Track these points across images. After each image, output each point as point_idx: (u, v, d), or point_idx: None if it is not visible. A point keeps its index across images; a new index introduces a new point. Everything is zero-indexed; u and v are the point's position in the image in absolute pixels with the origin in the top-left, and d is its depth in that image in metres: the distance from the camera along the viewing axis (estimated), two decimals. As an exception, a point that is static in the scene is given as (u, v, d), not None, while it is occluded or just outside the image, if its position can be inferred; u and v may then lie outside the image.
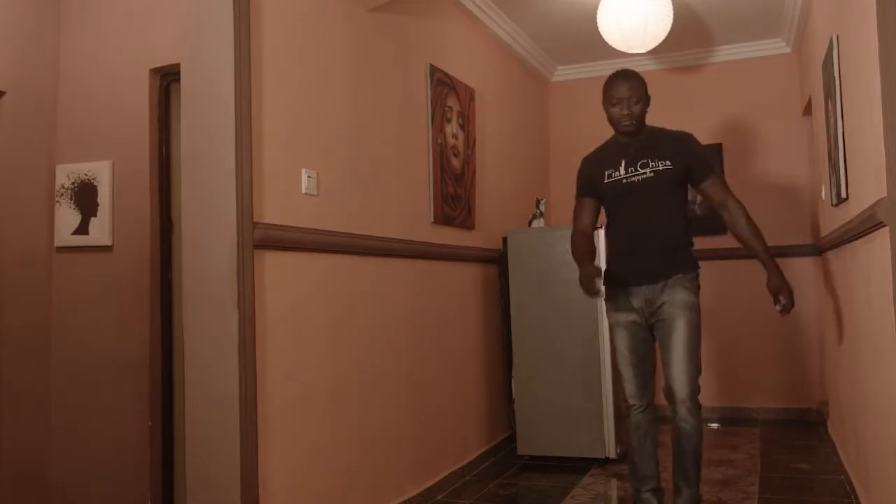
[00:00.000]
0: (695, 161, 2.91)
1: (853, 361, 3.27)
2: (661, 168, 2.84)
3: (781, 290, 2.85)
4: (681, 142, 2.92)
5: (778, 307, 2.87)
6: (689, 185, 2.96)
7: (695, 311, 2.84)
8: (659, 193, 2.86)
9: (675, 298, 2.82)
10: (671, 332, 2.81)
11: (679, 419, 2.82)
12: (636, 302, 2.89)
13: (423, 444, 3.62)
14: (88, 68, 3.54)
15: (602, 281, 2.87)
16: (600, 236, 3.45)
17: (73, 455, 3.46)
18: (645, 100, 2.88)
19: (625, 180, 2.88)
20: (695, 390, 2.80)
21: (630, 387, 2.97)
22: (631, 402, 2.99)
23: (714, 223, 5.43)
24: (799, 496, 3.56)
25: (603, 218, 3.10)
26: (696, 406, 2.82)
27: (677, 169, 2.85)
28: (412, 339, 3.58)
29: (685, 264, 2.89)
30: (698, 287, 2.90)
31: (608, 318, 3.05)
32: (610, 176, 2.91)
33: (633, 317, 2.91)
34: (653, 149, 2.87)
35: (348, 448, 3.00)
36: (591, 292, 2.79)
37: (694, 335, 2.81)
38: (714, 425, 5.13)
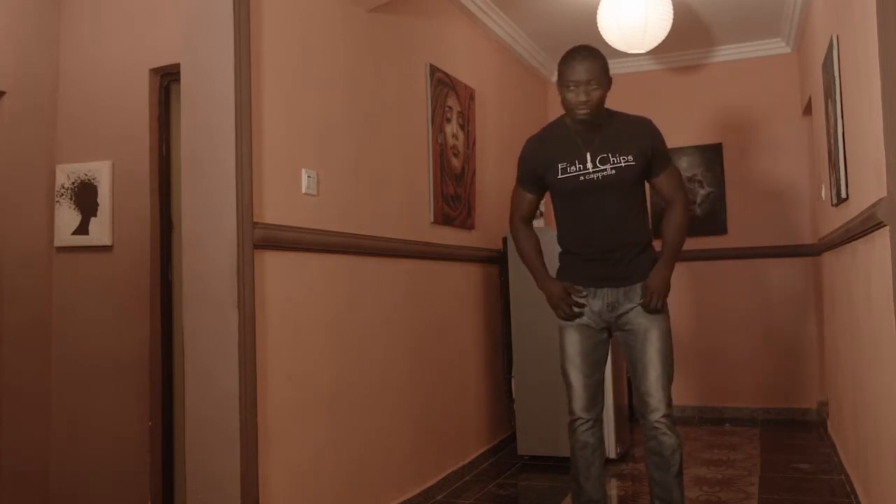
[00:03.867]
0: (656, 152, 2.60)
1: (853, 361, 3.27)
2: (622, 164, 2.53)
3: (652, 288, 2.54)
4: (642, 132, 2.59)
5: (640, 301, 2.57)
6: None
7: (666, 319, 2.60)
8: (620, 192, 2.55)
9: (643, 306, 2.57)
10: (644, 343, 2.55)
11: (659, 434, 2.55)
12: (594, 304, 2.61)
13: (423, 444, 3.63)
14: (88, 68, 3.55)
15: (574, 302, 2.65)
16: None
17: (73, 455, 3.46)
18: (605, 83, 2.51)
19: (582, 177, 2.55)
20: (671, 403, 2.57)
21: (578, 398, 2.65)
22: (578, 415, 2.66)
23: (713, 223, 5.46)
24: (799, 496, 3.56)
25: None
26: (674, 420, 2.59)
27: (639, 164, 2.55)
28: (412, 339, 3.58)
29: (648, 267, 2.62)
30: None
31: (559, 319, 2.71)
32: (564, 171, 2.58)
33: (586, 319, 2.63)
34: (612, 141, 2.55)
35: (348, 448, 3.00)
36: (570, 315, 2.61)
37: (668, 345, 2.58)
38: (715, 425, 5.13)
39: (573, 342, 2.64)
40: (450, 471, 3.87)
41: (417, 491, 3.51)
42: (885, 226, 2.27)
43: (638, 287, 2.58)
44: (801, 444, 4.59)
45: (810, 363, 5.21)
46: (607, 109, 2.60)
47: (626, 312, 2.59)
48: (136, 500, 3.33)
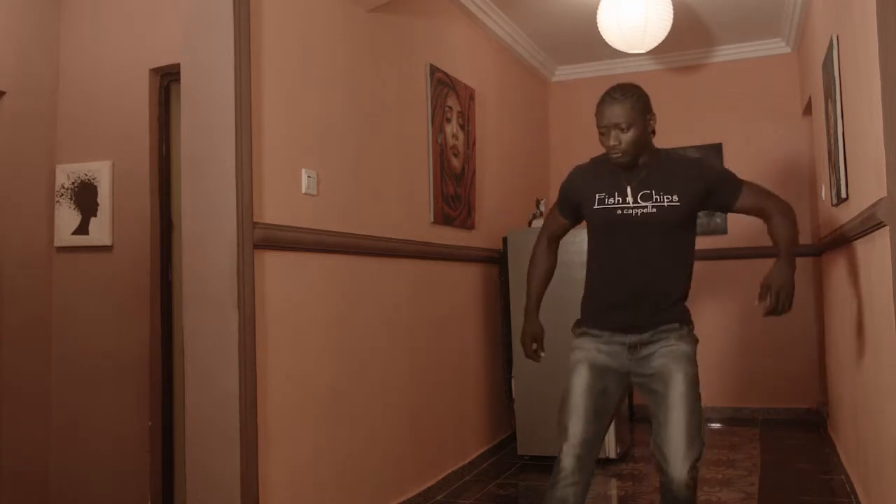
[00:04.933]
0: (712, 183, 2.34)
1: (853, 361, 3.27)
2: (665, 204, 2.29)
3: (776, 286, 2.26)
4: (692, 173, 2.34)
5: (759, 303, 2.32)
6: (719, 212, 2.44)
7: (694, 365, 2.30)
8: (659, 233, 2.30)
9: (669, 349, 2.29)
10: (667, 389, 2.24)
11: (676, 492, 2.19)
12: (614, 346, 2.34)
13: (423, 444, 3.62)
14: (88, 68, 3.54)
15: (540, 347, 2.54)
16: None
17: (73, 455, 3.46)
18: (641, 122, 2.27)
19: (620, 210, 2.32)
20: (697, 459, 2.19)
21: (570, 450, 2.26)
22: (565, 470, 2.25)
23: (714, 223, 5.46)
24: (799, 496, 3.56)
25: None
26: (694, 479, 2.19)
27: (685, 207, 2.30)
28: (412, 339, 3.58)
29: (680, 315, 2.36)
30: (696, 340, 2.37)
31: (572, 353, 2.41)
32: (602, 202, 2.35)
33: (604, 358, 2.33)
34: (659, 179, 2.31)
35: (348, 447, 3.00)
36: (529, 355, 2.53)
37: (695, 393, 2.25)
38: (715, 425, 5.13)
39: (581, 377, 2.33)
40: (450, 471, 3.87)
41: (417, 491, 3.51)
42: (885, 226, 2.27)
43: (667, 328, 2.31)
44: (801, 444, 4.59)
45: (810, 363, 5.21)
46: (655, 148, 2.35)
47: (650, 356, 2.30)
48: (136, 500, 3.33)
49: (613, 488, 3.82)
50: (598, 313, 2.39)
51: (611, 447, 4.12)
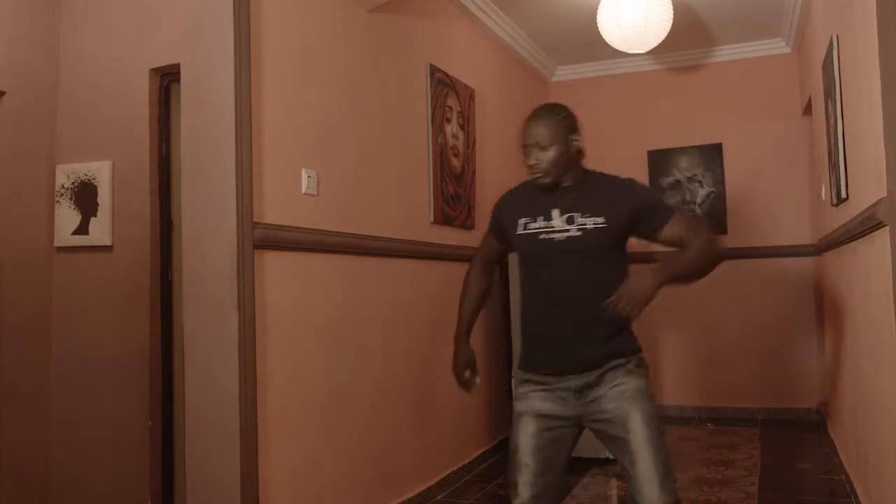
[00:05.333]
0: (640, 208, 2.15)
1: (853, 361, 3.27)
2: (590, 226, 2.11)
3: (628, 290, 2.03)
4: (620, 193, 2.18)
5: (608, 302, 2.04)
6: (645, 239, 2.20)
7: (649, 400, 2.11)
8: (587, 258, 2.12)
9: (619, 389, 2.09)
10: (628, 433, 2.06)
11: None
12: (559, 391, 2.14)
13: (424, 444, 3.62)
14: (88, 68, 3.54)
15: (474, 374, 2.38)
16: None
17: (73, 455, 3.45)
18: (563, 142, 2.14)
19: (543, 235, 2.16)
20: (674, 500, 2.06)
21: (521, 503, 2.11)
22: None
23: (714, 223, 5.45)
24: (799, 496, 3.56)
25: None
26: None
27: (612, 229, 2.12)
28: (412, 339, 3.58)
29: (624, 348, 2.14)
30: (646, 369, 2.17)
31: (515, 402, 2.23)
32: (525, 226, 2.20)
33: (549, 406, 2.14)
34: (584, 201, 2.15)
35: (348, 448, 3.00)
36: (462, 383, 2.36)
37: (656, 432, 2.07)
38: (715, 425, 5.13)
39: (526, 432, 2.14)
40: (450, 471, 3.87)
41: (417, 491, 3.51)
42: (885, 226, 2.27)
43: (610, 370, 2.10)
44: (801, 444, 4.59)
45: (810, 363, 5.20)
46: (584, 169, 2.22)
47: (599, 399, 2.10)
48: (136, 500, 3.33)
49: (613, 488, 3.82)
50: (533, 354, 2.21)
51: (611, 447, 4.11)
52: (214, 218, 2.47)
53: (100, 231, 3.46)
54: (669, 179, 5.57)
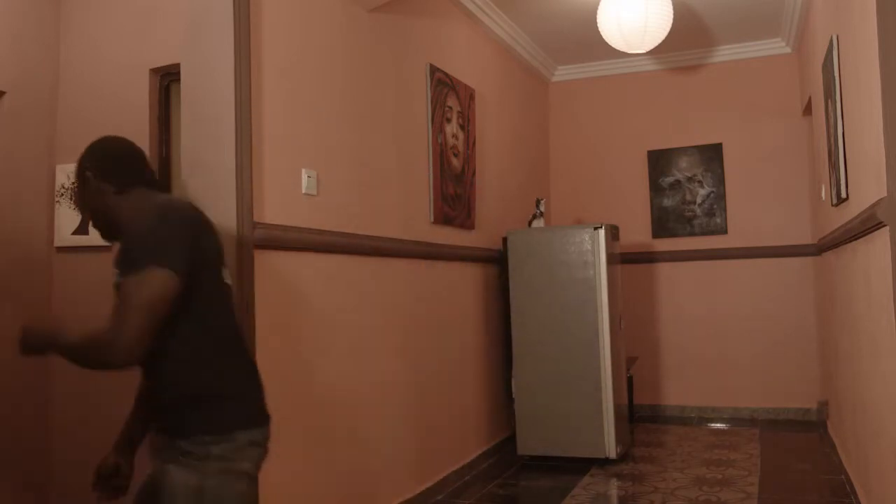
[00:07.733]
0: (123, 252, 1.81)
1: (853, 361, 3.27)
2: (116, 280, 1.83)
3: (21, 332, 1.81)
4: (129, 227, 1.85)
5: None
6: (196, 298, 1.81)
7: (182, 473, 1.74)
8: None
9: (158, 479, 1.80)
10: None
11: None
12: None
13: (423, 444, 3.62)
14: (88, 68, 3.54)
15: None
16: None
17: (73, 455, 3.45)
18: (91, 196, 1.87)
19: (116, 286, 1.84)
20: None
21: None
22: None
23: (714, 223, 5.46)
24: (799, 496, 3.56)
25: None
26: None
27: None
28: (412, 339, 3.57)
29: (180, 427, 1.79)
30: (203, 469, 1.73)
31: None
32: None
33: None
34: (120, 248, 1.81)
35: (348, 448, 3.00)
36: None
37: None
38: (716, 425, 5.13)
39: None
40: (450, 471, 3.87)
41: (417, 491, 3.51)
42: (885, 226, 2.27)
43: (167, 449, 1.79)
44: (801, 444, 4.59)
45: (810, 363, 5.20)
46: (134, 204, 1.90)
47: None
48: (136, 500, 3.33)
49: (613, 488, 3.82)
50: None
51: (611, 447, 4.12)
52: (214, 218, 2.44)
53: (100, 231, 3.46)
54: (669, 179, 5.57)
